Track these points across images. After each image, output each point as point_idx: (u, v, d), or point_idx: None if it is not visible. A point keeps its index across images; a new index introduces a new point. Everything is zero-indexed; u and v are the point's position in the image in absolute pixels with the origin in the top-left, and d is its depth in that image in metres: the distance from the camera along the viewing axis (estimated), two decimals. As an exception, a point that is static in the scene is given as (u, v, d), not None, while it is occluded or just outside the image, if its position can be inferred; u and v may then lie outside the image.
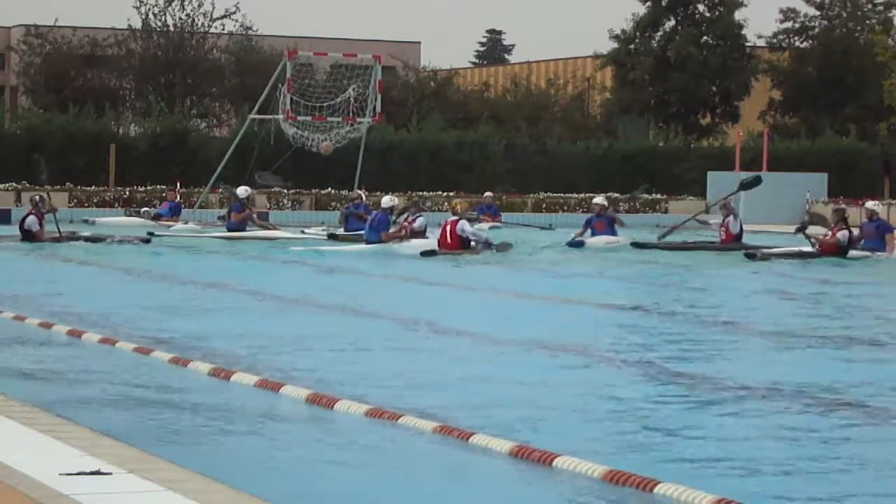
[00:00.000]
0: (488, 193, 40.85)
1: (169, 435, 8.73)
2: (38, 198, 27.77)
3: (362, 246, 26.85)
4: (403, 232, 27.36)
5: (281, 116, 36.09)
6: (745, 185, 30.49)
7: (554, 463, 7.79)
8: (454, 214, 26.12)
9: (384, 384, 10.78)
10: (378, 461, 8.24)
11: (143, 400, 10.07)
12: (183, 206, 37.34)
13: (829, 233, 26.31)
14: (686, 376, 11.45)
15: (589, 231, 28.71)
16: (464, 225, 25.89)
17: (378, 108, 37.16)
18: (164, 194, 39.96)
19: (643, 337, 14.38)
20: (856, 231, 26.64)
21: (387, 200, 28.07)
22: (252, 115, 37.87)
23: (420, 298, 18.81)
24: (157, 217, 36.00)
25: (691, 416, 9.69)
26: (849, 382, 11.34)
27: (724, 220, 28.42)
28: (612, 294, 19.08)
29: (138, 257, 24.87)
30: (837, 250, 25.89)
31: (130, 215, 37.46)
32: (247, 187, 31.69)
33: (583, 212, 42.43)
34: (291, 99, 35.96)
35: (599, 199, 29.87)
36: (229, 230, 30.55)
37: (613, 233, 28.56)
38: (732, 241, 28.01)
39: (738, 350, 13.24)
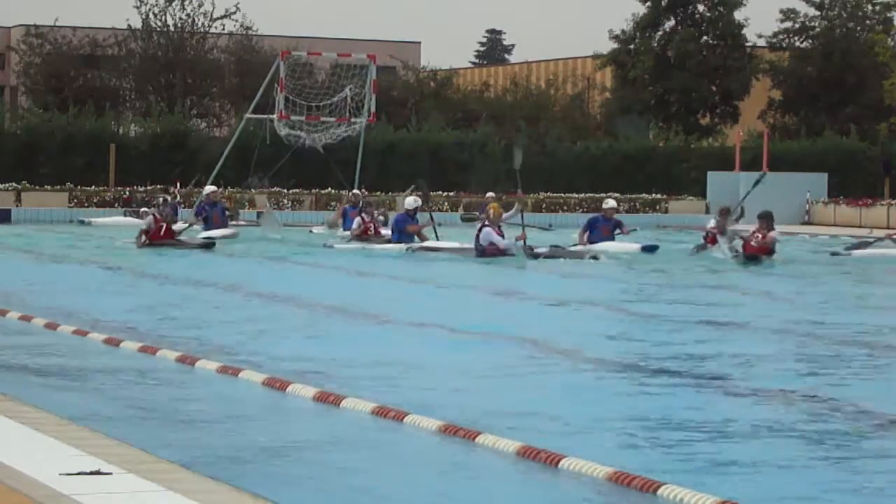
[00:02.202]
0: (490, 194, 40.75)
1: (169, 435, 8.68)
2: (162, 199, 28.61)
3: (395, 246, 26.71)
4: (370, 231, 27.68)
5: (274, 116, 36.11)
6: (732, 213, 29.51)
7: (560, 464, 7.75)
8: (488, 222, 24.99)
9: (387, 383, 10.74)
10: (382, 460, 8.20)
11: (144, 400, 10.02)
12: (182, 206, 37.28)
13: (759, 235, 25.35)
14: (691, 378, 11.40)
15: (588, 233, 27.28)
16: (489, 235, 24.83)
17: (373, 108, 37.15)
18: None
19: (647, 338, 14.32)
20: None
21: (410, 201, 27.83)
22: (248, 115, 37.87)
23: (435, 300, 18.73)
24: (156, 218, 36.01)
25: (697, 417, 9.63)
26: (854, 383, 11.31)
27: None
28: (618, 297, 19.02)
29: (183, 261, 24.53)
30: (769, 252, 25.45)
31: (129, 215, 37.41)
32: (212, 186, 33.00)
33: (583, 211, 42.32)
34: (287, 99, 35.98)
35: (613, 203, 28.27)
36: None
37: (612, 238, 27.36)
38: None
39: (744, 351, 13.18)
